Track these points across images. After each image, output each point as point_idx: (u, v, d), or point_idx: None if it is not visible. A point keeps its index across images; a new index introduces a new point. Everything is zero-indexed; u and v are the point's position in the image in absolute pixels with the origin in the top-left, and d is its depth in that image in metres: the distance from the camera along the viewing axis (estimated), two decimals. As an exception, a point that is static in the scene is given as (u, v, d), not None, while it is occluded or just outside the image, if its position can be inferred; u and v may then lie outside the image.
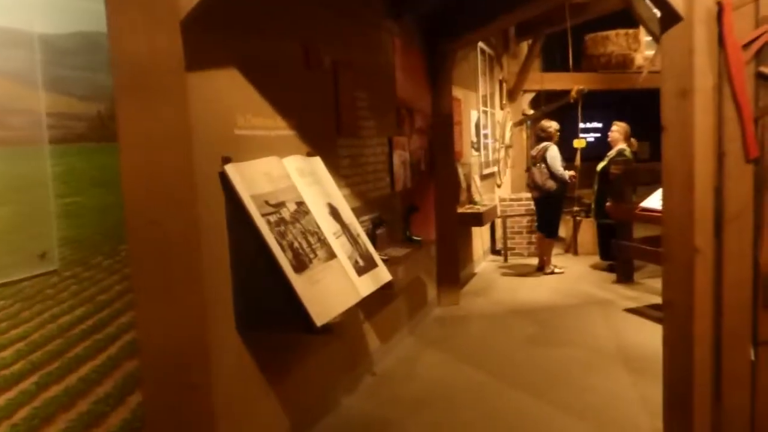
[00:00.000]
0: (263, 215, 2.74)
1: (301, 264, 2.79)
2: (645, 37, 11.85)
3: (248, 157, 2.90)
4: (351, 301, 2.99)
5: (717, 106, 2.64)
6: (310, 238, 2.95)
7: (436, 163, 6.05)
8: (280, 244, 2.73)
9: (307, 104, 3.62)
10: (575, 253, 8.58)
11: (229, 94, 2.84)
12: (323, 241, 3.04)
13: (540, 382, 4.22)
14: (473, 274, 7.67)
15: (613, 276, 7.04)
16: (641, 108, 10.74)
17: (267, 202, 2.82)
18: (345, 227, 3.34)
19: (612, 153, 7.22)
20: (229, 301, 2.79)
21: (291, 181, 3.08)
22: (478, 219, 7.01)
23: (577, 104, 8.25)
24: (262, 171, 2.90)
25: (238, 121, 2.91)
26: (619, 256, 6.78)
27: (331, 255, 3.05)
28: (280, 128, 3.27)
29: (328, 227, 3.17)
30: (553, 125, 7.45)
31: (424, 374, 4.48)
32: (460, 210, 6.84)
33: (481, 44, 8.35)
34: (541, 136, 7.53)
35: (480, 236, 8.29)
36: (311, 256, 2.89)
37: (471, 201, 7.53)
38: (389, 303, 4.77)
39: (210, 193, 2.67)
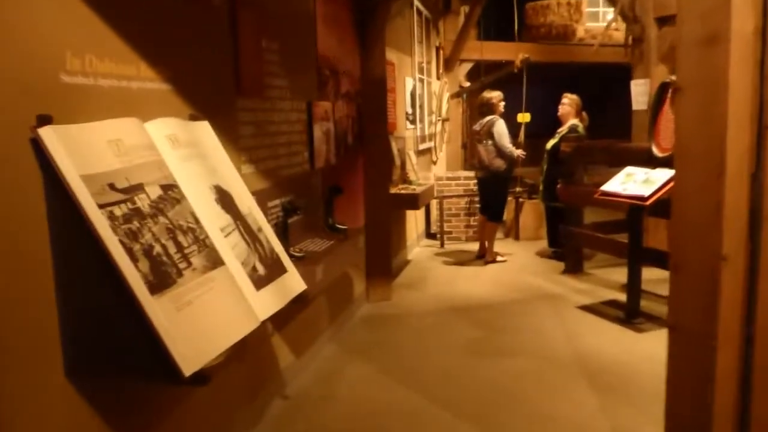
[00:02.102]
0: (103, 206, 1.79)
1: (162, 280, 1.85)
2: (587, 8, 11.33)
3: (89, 119, 1.94)
4: (242, 330, 2.06)
5: (759, 59, 1.87)
6: (182, 239, 2.02)
7: (366, 135, 5.14)
8: (130, 251, 1.79)
9: (193, 50, 2.65)
10: (516, 237, 7.90)
11: (51, 22, 1.86)
12: (203, 242, 2.11)
13: (487, 405, 3.43)
14: (407, 262, 6.85)
15: (560, 265, 6.35)
16: (581, 82, 10.19)
17: (112, 186, 1.86)
18: (239, 219, 2.42)
19: (563, 129, 6.47)
20: (55, 338, 1.85)
21: (157, 154, 2.12)
22: (413, 201, 6.16)
23: (521, 74, 7.49)
24: (107, 139, 1.94)
25: (70, 63, 1.92)
26: (568, 244, 6.10)
27: (215, 262, 2.12)
28: (146, 79, 2.30)
29: (213, 220, 2.24)
30: (495, 95, 6.60)
31: (347, 395, 3.62)
32: (393, 190, 5.98)
33: (417, 4, 7.46)
34: (483, 110, 6.69)
35: (414, 219, 7.48)
36: (181, 265, 1.95)
37: (405, 180, 6.67)
38: (305, 306, 3.87)
39: (10, 172, 1.70)
